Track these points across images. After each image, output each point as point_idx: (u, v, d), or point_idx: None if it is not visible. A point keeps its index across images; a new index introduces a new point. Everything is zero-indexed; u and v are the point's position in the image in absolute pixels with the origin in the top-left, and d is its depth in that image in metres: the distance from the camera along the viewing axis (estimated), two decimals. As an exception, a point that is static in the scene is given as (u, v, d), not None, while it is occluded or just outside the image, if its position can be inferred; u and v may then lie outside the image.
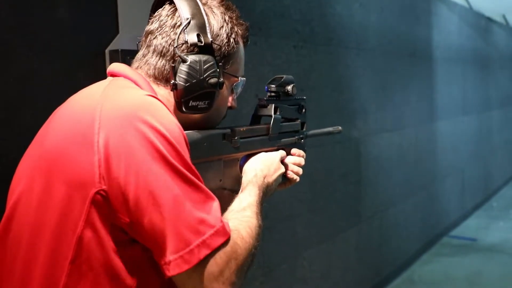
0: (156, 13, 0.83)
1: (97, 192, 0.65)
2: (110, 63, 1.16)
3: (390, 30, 3.02)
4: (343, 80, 2.54)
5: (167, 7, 0.82)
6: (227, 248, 0.67)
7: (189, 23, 0.77)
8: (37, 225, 0.69)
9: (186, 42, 0.77)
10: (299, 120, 1.05)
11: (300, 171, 1.01)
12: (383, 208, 3.16)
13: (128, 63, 0.84)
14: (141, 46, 0.83)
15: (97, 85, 0.78)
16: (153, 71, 0.79)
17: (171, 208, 0.64)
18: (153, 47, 0.79)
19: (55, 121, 0.73)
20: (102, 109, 0.68)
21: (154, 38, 0.80)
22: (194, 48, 0.78)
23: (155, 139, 0.64)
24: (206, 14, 0.80)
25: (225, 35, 0.82)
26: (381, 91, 3.10)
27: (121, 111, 0.66)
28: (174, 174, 0.65)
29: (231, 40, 0.82)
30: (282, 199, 2.03)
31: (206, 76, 0.78)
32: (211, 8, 0.83)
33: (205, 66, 0.78)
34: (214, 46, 0.80)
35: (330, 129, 1.13)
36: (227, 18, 0.83)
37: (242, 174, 0.91)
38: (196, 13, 0.79)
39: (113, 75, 0.81)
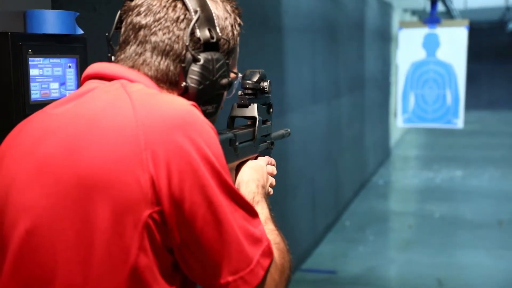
0: (139, 1, 1.14)
1: (150, 215, 0.97)
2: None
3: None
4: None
5: None
6: (277, 263, 1.11)
7: (199, 16, 1.12)
8: (80, 260, 1.00)
9: (198, 39, 1.12)
10: (270, 122, 1.47)
11: (274, 182, 1.42)
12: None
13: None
14: (125, 39, 1.14)
15: (110, 93, 1.06)
16: (155, 72, 1.12)
17: (233, 227, 1.03)
18: (152, 44, 1.11)
19: (73, 140, 1.02)
20: (144, 123, 0.99)
21: (151, 34, 1.11)
22: (202, 45, 1.12)
23: (211, 158, 1.01)
24: (210, 5, 1.15)
25: (230, 28, 1.18)
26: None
27: (167, 124, 0.99)
28: (228, 191, 1.03)
29: (235, 32, 1.20)
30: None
31: (218, 76, 1.15)
32: None
33: (217, 65, 1.14)
34: (222, 41, 1.16)
35: (282, 131, 1.60)
36: (228, 8, 1.20)
37: (237, 185, 1.31)
38: (203, 4, 1.14)
39: (106, 77, 1.11)
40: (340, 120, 6.92)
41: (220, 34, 1.16)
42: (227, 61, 1.18)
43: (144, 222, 0.98)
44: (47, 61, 1.61)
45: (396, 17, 11.41)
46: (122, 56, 1.15)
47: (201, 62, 1.13)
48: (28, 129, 1.11)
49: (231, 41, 1.20)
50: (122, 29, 1.17)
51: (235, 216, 1.05)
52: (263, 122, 1.45)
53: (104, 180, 0.99)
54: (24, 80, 1.55)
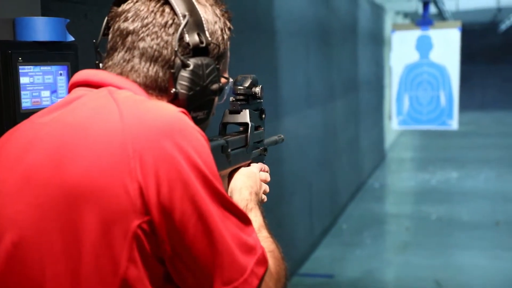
0: (126, 7, 1.12)
1: (139, 225, 0.95)
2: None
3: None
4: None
5: (146, 1, 1.11)
6: (272, 271, 1.08)
7: (187, 21, 1.10)
8: (69, 273, 0.97)
9: (187, 44, 1.10)
10: (263, 128, 1.46)
11: (268, 188, 1.40)
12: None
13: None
14: (112, 46, 1.12)
15: (97, 101, 1.04)
16: (144, 79, 1.10)
17: (225, 237, 0.99)
18: (140, 50, 1.09)
19: (59, 150, 0.99)
20: (131, 131, 0.96)
21: (139, 40, 1.09)
22: (191, 51, 1.11)
23: (201, 165, 0.98)
24: (199, 9, 1.13)
25: (219, 32, 1.17)
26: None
27: (155, 132, 0.97)
28: (219, 199, 1.00)
29: (225, 36, 1.18)
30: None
31: (208, 82, 1.13)
32: (199, 0, 1.16)
33: (207, 71, 1.12)
34: (211, 46, 1.14)
35: (276, 137, 1.59)
36: (218, 11, 1.18)
37: (230, 193, 1.30)
38: (192, 9, 1.11)
39: (93, 84, 1.09)
40: (335, 124, 6.91)
41: (209, 38, 1.14)
42: (218, 66, 1.17)
43: (133, 232, 0.96)
44: (37, 68, 1.58)
45: (389, 20, 11.42)
46: (110, 63, 1.13)
47: (191, 67, 1.11)
48: (14, 139, 1.08)
49: (221, 46, 1.18)
50: (110, 35, 1.15)
51: (227, 225, 1.02)
52: (256, 128, 1.43)
53: (91, 190, 0.96)
54: (14, 88, 1.52)
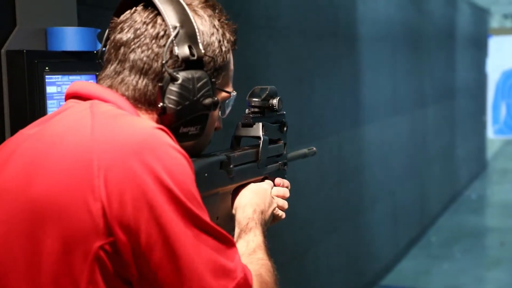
0: (123, 18, 1.12)
1: (102, 246, 0.92)
2: (9, 67, 1.52)
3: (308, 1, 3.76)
4: (251, 70, 3.11)
5: (141, 12, 1.10)
6: None
7: (178, 32, 1.07)
8: None
9: (177, 56, 1.07)
10: (282, 141, 1.43)
11: (286, 205, 1.37)
12: (301, 250, 3.79)
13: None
14: (107, 58, 1.12)
15: (76, 114, 1.04)
16: (132, 92, 1.08)
17: (193, 261, 0.96)
18: (130, 63, 1.08)
19: (30, 164, 0.99)
20: (99, 148, 0.94)
21: (130, 52, 1.07)
22: (182, 63, 1.07)
23: (171, 186, 0.94)
24: (194, 20, 1.11)
25: (216, 44, 1.13)
26: (298, 86, 3.70)
27: (123, 149, 0.94)
28: (193, 221, 0.97)
29: (223, 49, 1.14)
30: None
31: (200, 96, 1.09)
32: (196, 10, 1.13)
33: (199, 84, 1.09)
34: (206, 58, 1.10)
35: (305, 150, 1.56)
36: (216, 23, 1.14)
37: (234, 210, 1.27)
38: (185, 20, 1.08)
39: (82, 96, 1.09)
40: (425, 131, 6.71)
41: (203, 51, 1.11)
42: (213, 80, 1.13)
43: (94, 254, 0.94)
44: (65, 78, 1.62)
45: (495, 24, 10.94)
46: (103, 74, 1.13)
47: (179, 81, 1.08)
48: (1, 151, 1.09)
49: (218, 58, 1.14)
50: (107, 47, 1.14)
51: (200, 248, 0.98)
52: (275, 141, 1.40)
53: (54, 208, 0.95)
54: (40, 97, 1.56)
